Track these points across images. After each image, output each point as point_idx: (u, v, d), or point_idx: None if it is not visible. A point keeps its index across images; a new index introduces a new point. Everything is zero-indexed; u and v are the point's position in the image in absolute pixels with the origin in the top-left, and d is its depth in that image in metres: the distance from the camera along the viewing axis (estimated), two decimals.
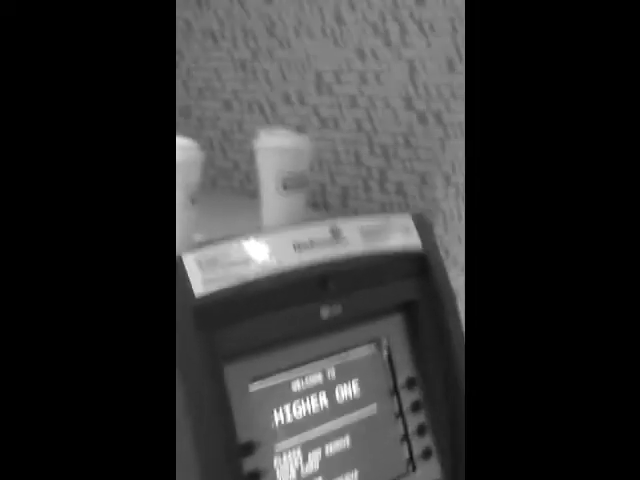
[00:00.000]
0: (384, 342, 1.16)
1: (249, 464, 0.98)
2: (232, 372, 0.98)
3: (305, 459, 1.04)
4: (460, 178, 1.34)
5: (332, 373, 1.10)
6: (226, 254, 0.98)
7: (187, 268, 0.94)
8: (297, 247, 1.04)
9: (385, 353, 1.16)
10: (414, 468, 1.15)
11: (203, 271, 0.95)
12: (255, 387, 1.01)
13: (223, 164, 1.68)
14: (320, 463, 1.06)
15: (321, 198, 1.47)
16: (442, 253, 1.23)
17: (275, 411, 1.03)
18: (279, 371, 1.04)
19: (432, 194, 1.33)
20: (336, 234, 1.09)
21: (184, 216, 1.03)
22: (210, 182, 1.58)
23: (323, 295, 1.07)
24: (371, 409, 1.13)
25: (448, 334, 1.18)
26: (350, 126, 1.43)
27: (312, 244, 1.06)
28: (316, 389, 1.08)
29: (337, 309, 1.08)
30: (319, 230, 1.08)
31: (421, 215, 1.21)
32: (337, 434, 1.08)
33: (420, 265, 1.18)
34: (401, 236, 1.16)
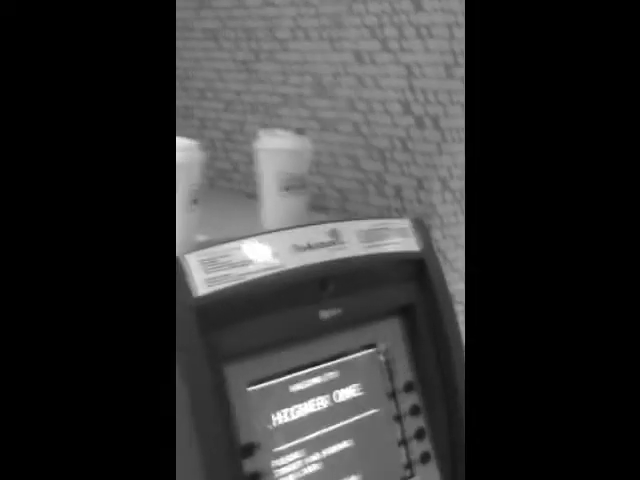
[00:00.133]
0: (382, 345, 1.16)
1: (249, 466, 0.98)
2: (232, 373, 0.98)
3: (304, 462, 1.05)
4: (457, 183, 1.34)
5: (331, 376, 1.10)
6: (227, 255, 0.99)
7: (188, 268, 0.94)
8: (297, 249, 1.05)
9: (383, 356, 1.16)
10: (413, 472, 1.15)
11: (204, 271, 0.96)
12: (255, 388, 1.02)
13: (223, 165, 1.68)
14: (319, 466, 1.06)
15: (319, 201, 1.47)
16: (439, 257, 1.23)
17: (275, 413, 1.03)
18: (279, 373, 1.05)
19: (429, 198, 1.33)
20: (335, 236, 1.10)
21: (185, 217, 1.04)
22: (209, 183, 1.59)
23: (322, 297, 1.07)
24: (370, 412, 1.13)
25: (446, 338, 1.18)
26: (348, 129, 1.43)
27: (312, 246, 1.06)
28: (316, 391, 1.08)
29: (336, 311, 1.09)
30: (319, 232, 1.09)
31: (419, 219, 1.21)
32: (336, 437, 1.09)
33: (418, 269, 1.18)
34: (399, 240, 1.17)
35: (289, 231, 1.07)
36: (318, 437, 1.07)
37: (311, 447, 1.06)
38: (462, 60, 1.28)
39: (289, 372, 1.06)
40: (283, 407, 1.04)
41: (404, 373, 1.17)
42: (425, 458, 1.16)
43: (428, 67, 1.29)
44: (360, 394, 1.13)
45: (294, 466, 1.04)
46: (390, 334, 1.17)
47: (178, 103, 1.70)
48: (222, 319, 0.97)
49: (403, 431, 1.15)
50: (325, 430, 1.08)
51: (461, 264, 1.37)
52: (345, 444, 1.09)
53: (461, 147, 1.32)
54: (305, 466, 1.05)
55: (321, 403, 1.08)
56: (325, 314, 1.08)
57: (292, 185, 1.18)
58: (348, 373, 1.12)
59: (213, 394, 0.94)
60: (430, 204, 1.33)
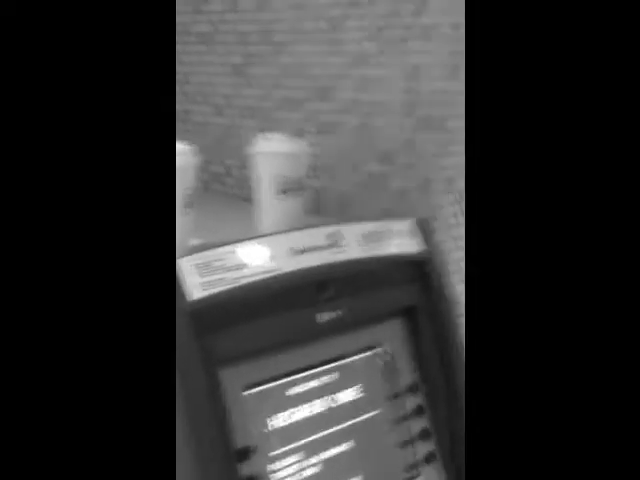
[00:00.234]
0: (384, 347, 1.16)
1: (245, 469, 0.97)
2: (228, 376, 0.97)
3: (301, 465, 1.04)
4: (461, 184, 1.34)
5: (331, 378, 1.09)
6: (222, 258, 0.98)
7: (181, 272, 0.93)
8: (295, 251, 1.04)
9: (385, 358, 1.16)
10: (417, 473, 1.15)
11: (198, 275, 0.95)
12: (251, 392, 1.01)
13: (217, 169, 1.68)
14: (317, 469, 1.05)
15: (319, 205, 1.46)
16: (443, 259, 1.23)
17: (272, 416, 1.02)
18: (276, 376, 1.04)
19: (433, 200, 1.33)
20: (335, 239, 1.09)
21: (180, 221, 1.03)
22: (204, 186, 1.58)
23: (322, 300, 1.07)
24: (372, 414, 1.13)
25: (448, 340, 1.18)
26: (348, 132, 1.43)
27: (310, 249, 1.06)
28: (314, 394, 1.07)
29: (336, 314, 1.08)
30: (317, 235, 1.08)
31: (422, 221, 1.21)
32: (337, 440, 1.08)
33: (421, 271, 1.18)
34: (402, 241, 1.16)
35: (286, 234, 1.06)
36: (316, 440, 1.06)
37: (308, 450, 1.05)
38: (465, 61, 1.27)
39: (285, 375, 1.05)
40: (279, 410, 1.03)
41: (407, 374, 1.17)
42: (430, 458, 1.16)
43: (431, 69, 1.29)
44: (360, 396, 1.12)
45: (291, 470, 1.03)
46: (392, 336, 1.17)
47: (177, 107, 1.70)
48: (217, 323, 0.96)
49: (407, 432, 1.15)
50: (323, 433, 1.07)
51: (462, 265, 1.36)
52: (344, 447, 1.08)
53: (464, 148, 1.32)
54: (302, 469, 1.04)
55: (319, 406, 1.07)
56: (324, 317, 1.07)
57: (289, 188, 1.17)
58: (348, 375, 1.11)
59: (208, 398, 0.93)
60: (434, 206, 1.33)
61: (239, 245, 1.00)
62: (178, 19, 1.65)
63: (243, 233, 1.06)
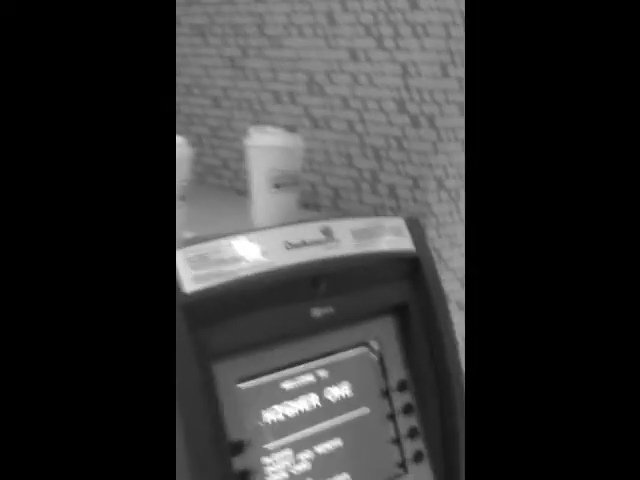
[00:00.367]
0: (375, 344, 1.16)
1: (239, 463, 0.97)
2: (221, 370, 0.97)
3: (295, 459, 1.04)
4: (453, 182, 1.34)
5: (323, 374, 1.09)
6: (216, 251, 0.98)
7: (177, 265, 0.93)
8: (289, 246, 1.04)
9: (376, 355, 1.16)
10: (405, 471, 1.15)
11: (191, 268, 0.95)
12: (245, 386, 1.00)
13: (212, 161, 1.67)
14: (310, 464, 1.05)
15: (312, 199, 1.46)
16: (434, 256, 1.23)
17: (265, 410, 1.02)
18: (269, 370, 1.04)
19: (424, 197, 1.33)
20: (328, 234, 1.09)
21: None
22: (198, 179, 1.58)
23: (314, 295, 1.07)
24: (362, 411, 1.12)
25: (439, 337, 1.17)
26: (342, 127, 1.42)
27: (304, 243, 1.06)
28: (307, 389, 1.07)
29: (328, 309, 1.08)
30: (311, 229, 1.08)
31: (414, 218, 1.21)
32: (328, 435, 1.08)
33: (412, 268, 1.17)
34: (393, 238, 1.16)
35: (281, 228, 1.06)
36: (309, 435, 1.06)
37: (301, 445, 1.05)
38: (458, 59, 1.27)
39: (279, 369, 1.05)
40: (273, 404, 1.03)
41: (397, 372, 1.17)
42: (418, 457, 1.16)
43: (424, 66, 1.29)
44: (352, 392, 1.12)
45: (284, 463, 1.03)
46: (383, 333, 1.17)
47: None
48: (211, 316, 0.96)
49: (396, 430, 1.15)
50: (316, 428, 1.07)
51: (456, 263, 1.36)
52: (336, 442, 1.08)
53: (456, 146, 1.32)
54: (295, 463, 1.04)
55: (312, 401, 1.07)
56: (317, 312, 1.07)
57: (283, 182, 1.17)
58: (340, 371, 1.11)
59: (201, 391, 0.93)
60: (425, 203, 1.33)
61: (233, 238, 1.00)
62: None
63: (238, 226, 1.06)
